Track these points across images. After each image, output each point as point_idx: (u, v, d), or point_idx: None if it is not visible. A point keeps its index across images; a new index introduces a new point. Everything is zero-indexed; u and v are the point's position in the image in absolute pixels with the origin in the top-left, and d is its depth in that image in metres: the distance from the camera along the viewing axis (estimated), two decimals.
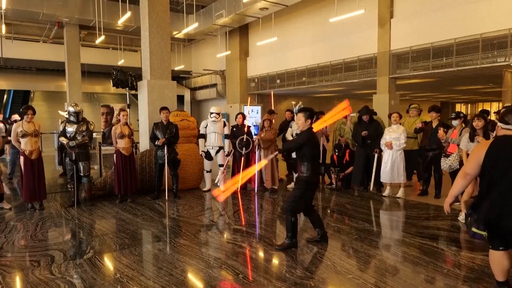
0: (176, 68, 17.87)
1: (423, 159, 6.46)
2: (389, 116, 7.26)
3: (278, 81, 14.95)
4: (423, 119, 7.11)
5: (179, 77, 20.29)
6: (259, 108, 15.50)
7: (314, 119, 4.23)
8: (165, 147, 6.26)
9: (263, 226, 5.07)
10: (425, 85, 13.80)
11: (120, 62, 16.93)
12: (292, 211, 3.99)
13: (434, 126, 6.25)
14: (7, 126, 8.38)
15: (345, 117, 7.43)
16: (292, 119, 7.64)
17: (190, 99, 20.69)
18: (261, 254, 4.01)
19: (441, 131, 5.67)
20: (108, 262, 3.76)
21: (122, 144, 6.17)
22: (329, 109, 4.53)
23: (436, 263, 3.63)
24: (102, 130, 9.12)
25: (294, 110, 7.22)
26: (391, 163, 6.32)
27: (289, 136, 7.26)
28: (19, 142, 5.63)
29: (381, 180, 6.55)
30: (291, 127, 7.25)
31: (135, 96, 8.40)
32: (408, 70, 10.68)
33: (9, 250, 4.12)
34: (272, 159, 6.91)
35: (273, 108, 7.80)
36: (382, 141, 6.40)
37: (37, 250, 4.09)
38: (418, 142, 6.92)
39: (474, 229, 2.84)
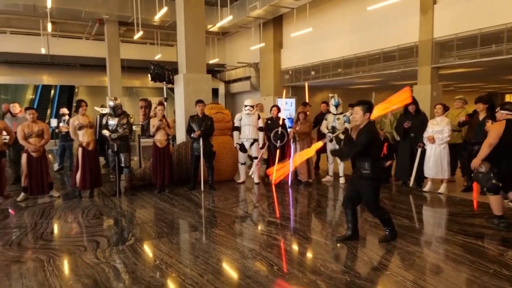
0: (210, 62, 18.06)
1: (468, 153, 6.14)
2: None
3: (312, 72, 14.73)
4: (468, 111, 6.71)
5: (214, 71, 20.51)
6: (293, 100, 15.37)
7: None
8: (201, 140, 6.38)
9: (298, 219, 5.06)
10: (471, 74, 13.04)
11: (157, 57, 17.36)
12: (379, 210, 3.91)
13: (481, 119, 5.89)
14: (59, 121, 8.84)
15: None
16: (328, 111, 7.52)
17: (225, 92, 20.88)
18: (295, 247, 4.01)
19: (489, 124, 5.35)
20: (148, 249, 3.92)
21: (157, 136, 6.37)
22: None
23: (481, 262, 3.46)
24: (140, 123, 9.42)
25: (330, 102, 7.09)
26: (434, 158, 6.05)
27: (324, 129, 7.16)
28: (77, 135, 5.99)
29: (425, 175, 6.28)
30: (326, 120, 7.14)
31: (172, 89, 8.59)
32: (453, 58, 10.13)
33: (58, 235, 4.40)
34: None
35: (307, 101, 7.71)
36: (425, 135, 6.15)
37: (84, 236, 4.33)
38: (462, 135, 6.57)
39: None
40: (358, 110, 3.81)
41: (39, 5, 12.83)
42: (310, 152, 4.98)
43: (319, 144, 4.91)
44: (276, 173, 4.38)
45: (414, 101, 6.51)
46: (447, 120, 6.11)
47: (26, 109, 6.23)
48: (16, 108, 7.41)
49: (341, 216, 5.16)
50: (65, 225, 4.79)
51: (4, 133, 6.00)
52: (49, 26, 14.57)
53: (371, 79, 13.85)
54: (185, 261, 3.59)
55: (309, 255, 3.80)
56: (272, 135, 6.98)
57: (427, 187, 6.29)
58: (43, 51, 16.91)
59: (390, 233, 3.99)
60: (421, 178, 6.47)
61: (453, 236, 4.21)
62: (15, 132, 5.99)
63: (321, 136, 7.69)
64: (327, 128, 7.09)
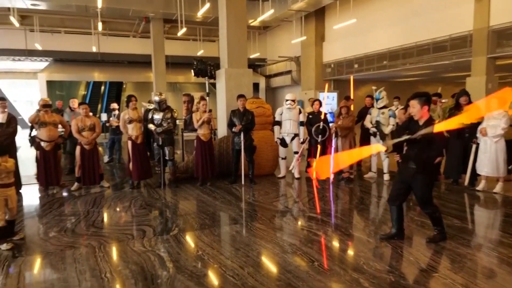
0: (251, 56, 18.12)
1: None
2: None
3: (356, 65, 14.31)
4: None
5: (255, 65, 20.57)
6: (335, 94, 15.05)
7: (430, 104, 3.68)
8: (242, 134, 6.43)
9: (339, 215, 4.96)
10: None
11: (200, 53, 17.71)
12: (432, 206, 3.73)
13: None
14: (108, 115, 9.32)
15: (435, 103, 6.85)
16: (372, 105, 7.28)
17: (265, 86, 20.89)
18: (336, 243, 3.94)
19: None
20: (191, 240, 4.03)
21: (201, 130, 6.50)
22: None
23: None
24: (183, 117, 9.67)
25: (374, 96, 6.85)
26: (489, 154, 5.65)
27: (368, 124, 6.94)
28: (126, 128, 6.30)
29: (479, 172, 5.90)
30: (370, 114, 6.92)
31: (214, 84, 8.72)
32: None
33: (108, 223, 4.65)
34: (350, 146, 6.69)
35: (351, 94, 7.51)
36: (479, 128, 5.75)
37: (131, 225, 4.54)
38: None
39: None
40: (415, 103, 3.60)
41: (90, 5, 13.53)
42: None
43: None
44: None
45: (466, 93, 6.12)
46: (505, 113, 5.66)
47: (80, 104, 6.64)
48: (75, 103, 7.93)
49: (385, 214, 4.99)
50: (114, 214, 5.05)
51: (60, 126, 6.43)
52: (100, 26, 15.34)
53: (419, 71, 13.19)
54: (226, 253, 3.65)
55: (351, 252, 3.72)
56: (313, 129, 6.88)
57: (481, 186, 5.90)
58: (94, 49, 17.87)
59: (439, 234, 3.80)
60: (474, 176, 6.09)
61: (508, 238, 3.92)
62: (71, 126, 6.39)
63: (365, 131, 7.48)
64: (371, 122, 6.86)
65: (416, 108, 3.60)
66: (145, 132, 6.63)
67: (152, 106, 9.15)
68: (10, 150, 5.88)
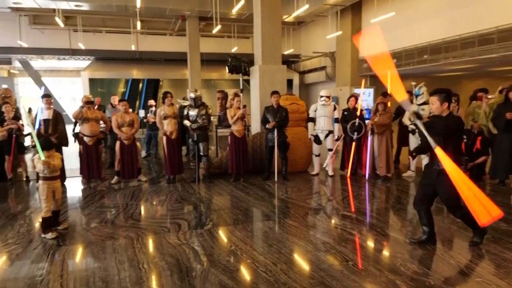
0: (285, 52, 18.01)
1: None
2: None
3: (394, 60, 13.83)
4: None
5: (288, 61, 20.44)
6: (371, 90, 14.65)
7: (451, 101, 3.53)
8: (275, 130, 6.42)
9: (375, 215, 4.84)
10: None
11: (234, 50, 17.85)
12: (462, 209, 3.43)
13: None
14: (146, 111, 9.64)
15: (480, 99, 6.50)
16: (411, 102, 7.00)
17: (299, 82, 20.71)
18: (371, 243, 3.84)
19: None
20: (224, 235, 4.08)
21: (236, 126, 6.56)
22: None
23: None
24: (217, 113, 9.79)
25: (414, 92, 6.59)
26: None
27: (406, 121, 6.69)
28: (162, 124, 6.49)
29: None
30: (409, 111, 6.65)
31: (247, 81, 8.76)
32: None
33: (145, 216, 4.81)
34: (387, 144, 6.50)
35: (388, 90, 7.26)
36: None
37: (167, 218, 4.67)
38: None
39: None
40: (435, 100, 3.51)
41: (130, 5, 14.00)
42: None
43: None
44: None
45: None
46: None
47: (119, 101, 6.89)
48: (115, 100, 8.28)
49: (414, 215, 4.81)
50: (151, 207, 5.22)
51: (101, 122, 6.72)
52: (138, 24, 15.86)
53: (463, 65, 12.54)
54: (259, 248, 3.67)
55: (387, 253, 3.61)
56: (348, 126, 6.74)
57: None
58: (133, 47, 18.50)
59: (477, 235, 3.60)
60: None
61: None
62: (111, 121, 6.66)
63: (403, 128, 7.23)
64: (409, 119, 6.61)
65: (435, 105, 3.50)
66: (180, 128, 6.78)
67: (186, 103, 9.35)
68: (57, 144, 6.27)
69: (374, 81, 15.65)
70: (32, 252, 3.62)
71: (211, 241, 3.86)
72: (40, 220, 4.05)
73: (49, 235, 3.95)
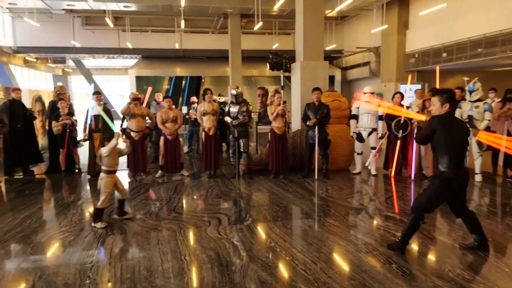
0: (327, 48, 17.68)
1: None
2: None
3: (444, 54, 13.10)
4: None
5: (330, 57, 20.06)
6: (418, 86, 14.00)
7: (453, 102, 3.35)
8: (316, 128, 6.33)
9: None
10: None
11: (275, 46, 17.79)
12: (420, 211, 3.34)
13: None
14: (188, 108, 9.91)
15: None
16: (463, 98, 6.62)
17: (341, 79, 20.27)
18: (417, 246, 3.68)
19: None
20: (263, 231, 4.10)
21: (276, 123, 6.54)
22: None
23: None
24: (258, 110, 9.82)
25: (467, 88, 6.20)
26: None
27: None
28: (202, 120, 6.67)
29: None
30: (460, 108, 6.29)
31: (288, 78, 8.70)
32: None
33: (187, 210, 4.94)
34: None
35: (438, 86, 6.90)
36: None
37: (208, 213, 4.77)
38: None
39: None
40: (435, 101, 3.31)
41: (174, 4, 14.40)
42: None
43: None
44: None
45: None
46: None
47: (164, 97, 7.13)
48: (160, 96, 8.58)
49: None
50: (192, 201, 5.36)
51: (147, 118, 6.99)
52: (182, 23, 16.27)
53: None
54: (298, 246, 3.64)
55: (434, 257, 3.45)
56: (393, 124, 6.49)
57: None
58: (177, 46, 19.03)
59: (399, 243, 3.42)
60: None
61: None
62: (156, 117, 6.91)
63: None
64: (461, 117, 6.25)
65: (436, 106, 3.31)
66: (218, 124, 6.89)
67: (222, 99, 9.49)
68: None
69: (422, 77, 14.95)
70: (83, 240, 3.85)
71: (250, 236, 3.89)
72: (92, 210, 4.29)
73: (99, 225, 4.18)
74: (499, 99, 6.85)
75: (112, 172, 4.24)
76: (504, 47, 10.80)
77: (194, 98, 9.77)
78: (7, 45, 18.28)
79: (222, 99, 9.38)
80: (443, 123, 3.26)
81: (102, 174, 4.24)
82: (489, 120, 6.01)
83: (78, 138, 7.73)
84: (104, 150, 4.19)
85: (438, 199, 3.36)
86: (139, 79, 20.08)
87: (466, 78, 6.46)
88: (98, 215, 4.23)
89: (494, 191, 5.85)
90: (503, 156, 6.37)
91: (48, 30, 18.04)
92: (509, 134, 6.39)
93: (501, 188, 5.96)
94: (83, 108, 9.38)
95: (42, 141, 9.57)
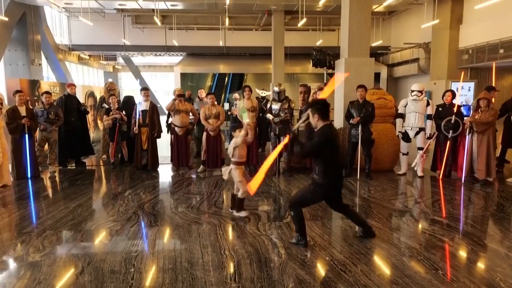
0: (373, 44, 17.12)
1: None
2: None
3: (501, 51, 12.21)
4: None
5: (376, 53, 19.42)
6: (471, 84, 13.17)
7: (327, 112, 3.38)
8: (360, 126, 6.16)
9: (470, 222, 4.36)
10: None
11: (318, 43, 17.53)
12: (293, 207, 3.53)
13: None
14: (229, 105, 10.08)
15: None
16: None
17: (387, 76, 19.56)
18: (465, 253, 3.47)
19: None
20: None
21: None
22: None
23: None
24: (300, 108, 9.73)
25: None
26: None
27: None
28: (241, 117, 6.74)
29: None
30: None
31: (332, 75, 8.54)
32: None
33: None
34: (488, 145, 5.78)
35: (493, 84, 6.46)
36: None
37: (247, 208, 4.79)
38: None
39: None
40: (310, 114, 3.42)
41: (219, 2, 14.63)
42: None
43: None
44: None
45: None
46: None
47: (207, 94, 7.28)
48: (202, 93, 8.78)
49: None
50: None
51: (191, 114, 7.18)
52: (227, 21, 16.50)
53: None
54: (338, 246, 3.58)
55: (484, 265, 3.23)
56: (443, 124, 6.16)
57: None
58: (221, 43, 19.34)
59: (297, 238, 3.57)
60: None
61: None
62: (199, 114, 7.08)
63: (509, 127, 6.38)
64: None
65: (312, 120, 3.42)
66: (257, 121, 6.91)
67: (265, 93, 9.48)
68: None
69: (476, 74, 14.07)
70: (129, 230, 4.04)
71: (289, 234, 3.87)
72: (237, 199, 4.46)
73: (243, 213, 4.41)
74: None
75: (241, 163, 4.49)
76: None
77: (236, 95, 9.89)
78: (63, 43, 19.57)
79: (265, 93, 9.38)
80: (327, 137, 3.33)
81: (232, 166, 4.49)
82: None
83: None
84: (235, 142, 4.46)
85: (311, 200, 3.66)
86: (183, 76, 20.66)
87: None
88: (241, 204, 4.46)
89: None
90: None
91: (100, 28, 19.07)
92: None
93: None
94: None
95: (93, 134, 10.16)
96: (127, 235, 3.90)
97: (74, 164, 7.80)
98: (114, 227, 4.12)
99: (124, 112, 7.49)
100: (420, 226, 4.26)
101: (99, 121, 9.37)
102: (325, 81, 8.58)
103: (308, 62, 8.32)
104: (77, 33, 19.74)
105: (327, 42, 17.59)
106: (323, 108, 3.37)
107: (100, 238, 3.85)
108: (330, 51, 8.21)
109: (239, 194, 4.43)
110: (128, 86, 29.58)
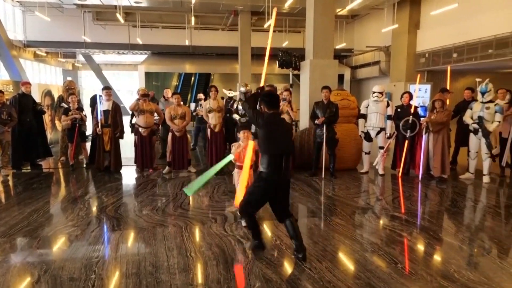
0: (337, 47, 17.57)
1: None
2: None
3: (455, 55, 12.94)
4: None
5: (340, 56, 19.95)
6: (428, 86, 13.86)
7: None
8: (324, 126, 6.30)
9: (427, 217, 4.59)
10: None
11: (285, 44, 17.73)
12: (243, 212, 3.42)
13: None
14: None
15: None
16: (473, 99, 6.55)
17: (350, 77, 20.14)
18: (422, 246, 3.65)
19: None
20: (269, 229, 4.10)
21: None
22: None
23: None
24: None
25: (478, 89, 6.11)
26: None
27: (468, 119, 6.26)
28: (208, 117, 6.70)
29: None
30: (471, 109, 6.21)
31: (297, 76, 8.67)
32: None
33: (193, 206, 4.96)
34: (443, 144, 6.11)
35: (448, 86, 6.83)
36: None
37: (214, 209, 4.78)
38: None
39: None
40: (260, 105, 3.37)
41: (185, 0, 14.43)
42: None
43: None
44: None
45: None
46: None
47: (173, 94, 7.15)
48: (168, 93, 8.61)
49: (482, 220, 4.50)
50: (199, 198, 5.37)
51: (155, 114, 7.03)
52: (193, 20, 16.29)
53: None
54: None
55: (440, 258, 3.42)
56: (401, 124, 6.45)
57: None
58: (186, 42, 19.07)
59: (252, 241, 3.51)
60: None
61: None
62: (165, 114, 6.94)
63: (462, 127, 6.78)
64: (471, 118, 6.18)
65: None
66: (224, 122, 6.91)
67: (232, 94, 9.47)
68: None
69: (432, 77, 14.80)
70: (89, 235, 3.89)
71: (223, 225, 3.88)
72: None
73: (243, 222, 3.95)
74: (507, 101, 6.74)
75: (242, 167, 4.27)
76: None
77: (201, 95, 9.79)
78: (18, 39, 18.49)
79: (232, 94, 9.35)
80: (268, 122, 3.22)
81: (236, 170, 4.41)
82: (499, 121, 5.93)
83: (87, 133, 7.81)
84: (236, 146, 4.29)
85: (256, 200, 3.33)
86: (148, 75, 20.18)
87: (478, 79, 6.37)
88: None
89: (501, 192, 5.77)
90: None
91: (59, 24, 18.21)
92: None
93: (508, 189, 5.88)
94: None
95: (51, 135, 9.69)
96: (87, 240, 3.75)
97: (29, 167, 7.40)
98: (73, 232, 3.95)
99: (84, 113, 7.21)
100: (381, 222, 4.42)
101: (57, 122, 8.96)
102: (291, 82, 8.70)
103: (275, 63, 8.39)
104: (33, 28, 18.72)
105: (293, 44, 17.84)
106: (268, 99, 3.32)
107: (58, 245, 3.68)
108: (295, 52, 8.33)
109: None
110: (89, 85, 28.49)
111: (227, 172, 6.89)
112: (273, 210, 3.41)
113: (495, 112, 5.91)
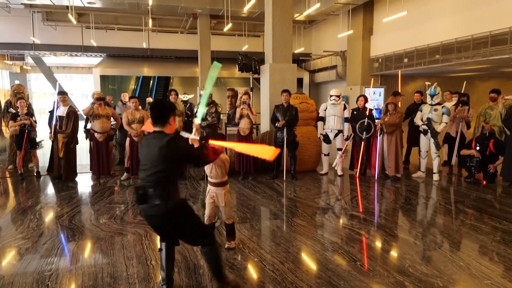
0: (296, 51, 17.93)
1: None
2: None
3: (405, 60, 13.67)
4: None
5: (299, 60, 20.37)
6: (382, 90, 14.52)
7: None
8: (285, 129, 6.40)
9: (383, 215, 4.80)
10: None
11: (244, 48, 17.82)
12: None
13: None
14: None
15: (493, 100, 6.42)
16: (422, 102, 6.94)
17: (309, 81, 20.63)
18: (379, 243, 3.81)
19: None
20: None
21: (241, 125, 6.54)
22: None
23: None
24: (227, 112, 9.80)
25: (428, 92, 6.49)
26: None
27: (418, 121, 6.63)
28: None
29: None
30: (421, 111, 6.58)
31: (257, 79, 8.75)
32: None
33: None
34: (396, 144, 6.43)
35: (399, 90, 7.19)
36: None
37: None
38: None
39: None
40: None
41: (142, 2, 14.08)
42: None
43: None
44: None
45: None
46: None
47: (130, 98, 6.94)
48: (126, 97, 8.33)
49: (433, 216, 4.77)
50: None
51: (112, 119, 6.78)
52: (150, 22, 15.94)
53: (475, 65, 12.34)
54: (266, 247, 3.66)
55: (396, 254, 3.58)
56: (357, 126, 6.70)
57: None
58: (144, 45, 18.60)
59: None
60: None
61: None
62: (122, 118, 6.72)
63: (413, 128, 7.16)
64: (421, 120, 6.55)
65: None
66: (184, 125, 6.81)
67: (187, 98, 9.38)
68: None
69: (385, 81, 15.51)
70: (41, 247, 3.67)
71: (218, 238, 3.86)
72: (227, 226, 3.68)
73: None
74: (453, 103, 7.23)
75: (223, 184, 3.56)
76: (460, 54, 11.43)
77: (149, 99, 9.58)
78: None
79: (187, 97, 9.25)
80: (141, 143, 2.67)
81: (211, 187, 3.60)
82: (446, 123, 6.33)
83: (38, 139, 7.37)
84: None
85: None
86: (104, 78, 19.44)
87: (427, 83, 6.77)
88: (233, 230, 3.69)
89: (450, 189, 6.16)
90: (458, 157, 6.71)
91: (5, 25, 17.11)
92: (462, 135, 6.75)
93: (456, 187, 6.29)
94: (43, 107, 8.94)
95: None
96: (39, 253, 3.54)
97: None
98: (23, 245, 3.71)
99: (34, 118, 6.81)
100: (340, 221, 4.56)
101: (4, 128, 8.38)
102: (251, 85, 8.76)
103: (235, 66, 8.41)
104: None
105: (253, 48, 17.97)
106: (151, 113, 2.66)
107: (7, 259, 3.43)
108: (255, 56, 8.39)
109: (226, 220, 3.63)
110: (39, 88, 26.93)
111: (188, 177, 6.79)
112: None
113: (443, 114, 6.30)
